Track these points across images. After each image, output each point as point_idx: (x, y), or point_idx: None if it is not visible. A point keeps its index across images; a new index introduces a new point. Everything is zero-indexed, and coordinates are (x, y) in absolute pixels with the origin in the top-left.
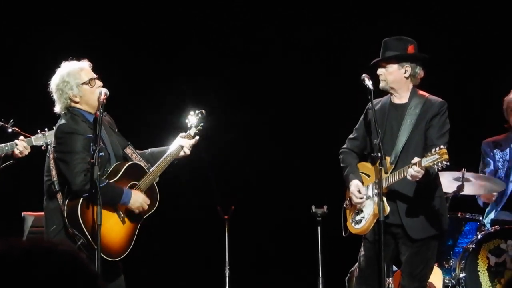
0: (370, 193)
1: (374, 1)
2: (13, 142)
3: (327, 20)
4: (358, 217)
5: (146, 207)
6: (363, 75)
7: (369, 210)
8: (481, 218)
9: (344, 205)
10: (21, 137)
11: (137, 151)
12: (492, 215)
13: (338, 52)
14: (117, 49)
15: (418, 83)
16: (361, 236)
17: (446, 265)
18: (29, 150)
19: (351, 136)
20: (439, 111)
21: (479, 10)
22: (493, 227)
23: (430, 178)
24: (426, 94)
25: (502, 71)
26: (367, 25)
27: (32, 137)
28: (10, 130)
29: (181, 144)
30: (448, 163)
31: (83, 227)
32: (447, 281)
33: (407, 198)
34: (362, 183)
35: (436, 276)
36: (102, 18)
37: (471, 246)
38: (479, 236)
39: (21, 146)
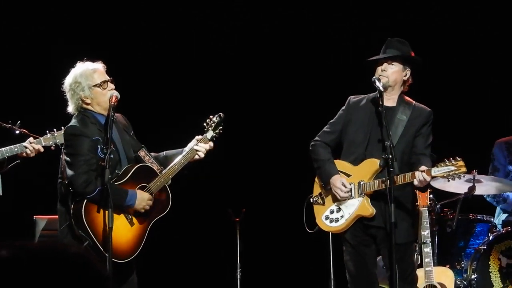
0: (352, 193)
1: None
2: (23, 144)
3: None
4: (334, 216)
5: (150, 204)
6: (374, 77)
7: (350, 210)
8: (492, 219)
9: (312, 200)
10: (31, 139)
11: (152, 153)
12: (503, 217)
13: (346, 54)
14: (135, 50)
15: (406, 90)
16: (341, 238)
17: (458, 267)
18: (42, 150)
19: (325, 129)
20: (428, 120)
21: (491, 7)
22: (505, 228)
23: (428, 186)
24: (413, 101)
25: None
26: (361, 25)
27: (41, 138)
28: (17, 132)
29: (195, 147)
30: (464, 176)
31: (88, 228)
32: (458, 283)
33: (394, 203)
34: None
35: (448, 278)
36: (118, 19)
37: (482, 247)
38: (491, 237)
39: (30, 147)
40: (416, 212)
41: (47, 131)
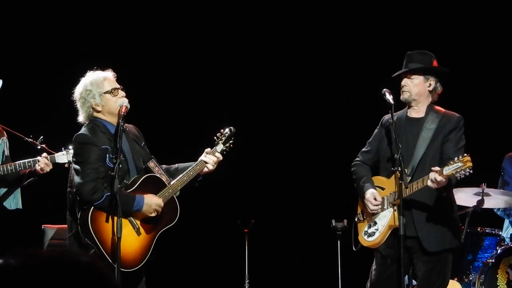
0: (385, 205)
1: (392, 14)
2: (36, 159)
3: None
4: (371, 230)
5: (160, 210)
6: (384, 89)
7: (383, 222)
8: (500, 232)
9: (356, 219)
10: (44, 154)
11: (163, 165)
12: (511, 230)
13: (358, 65)
14: (151, 63)
15: (436, 99)
16: (373, 249)
17: (466, 280)
18: (51, 167)
19: (364, 149)
20: (456, 126)
21: (504, 23)
22: None
23: (450, 188)
24: (442, 110)
25: None
26: (383, 38)
27: (56, 154)
28: (39, 147)
29: (204, 160)
30: (471, 171)
31: (94, 236)
32: None
33: (423, 210)
34: None
35: None
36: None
37: (490, 260)
38: (499, 251)
39: (42, 163)
40: (453, 219)
41: (62, 148)
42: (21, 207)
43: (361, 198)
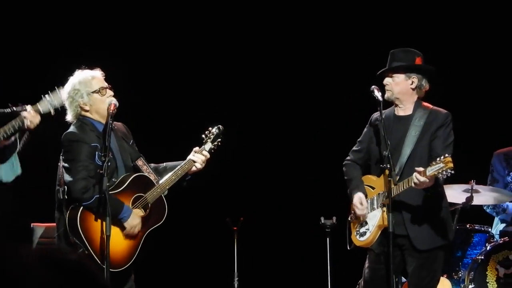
0: (375, 205)
1: (378, 11)
2: (21, 116)
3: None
4: (362, 229)
5: (135, 232)
6: (372, 86)
7: (373, 222)
8: (490, 229)
9: (349, 218)
10: (27, 106)
11: (152, 164)
12: (501, 227)
13: (348, 63)
14: (140, 61)
15: (423, 95)
16: (366, 248)
17: (455, 277)
18: (39, 118)
19: (354, 148)
20: (444, 122)
21: (494, 20)
22: (502, 239)
23: (437, 187)
24: (430, 106)
25: None
26: (372, 35)
27: (38, 104)
28: (9, 110)
29: (193, 159)
30: (453, 172)
31: (82, 236)
32: None
33: (413, 209)
34: (366, 195)
35: (445, 287)
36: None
37: (480, 257)
38: (488, 248)
39: (28, 115)
40: (443, 217)
41: (42, 95)
42: (20, 172)
43: (351, 199)
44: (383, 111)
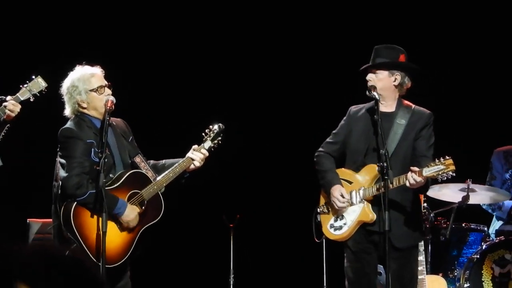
0: (354, 200)
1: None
2: (2, 106)
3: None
4: (338, 223)
5: (132, 226)
6: (370, 85)
7: (352, 217)
8: (486, 228)
9: (318, 210)
10: (8, 97)
11: (151, 161)
12: (498, 225)
13: (346, 63)
14: (141, 59)
15: (404, 93)
16: (343, 246)
17: (451, 275)
18: (19, 106)
19: (329, 139)
20: (428, 122)
21: (491, 17)
22: (498, 238)
23: (427, 188)
24: (412, 105)
25: None
26: (372, 35)
27: (18, 94)
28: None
29: (191, 156)
30: (454, 174)
31: (76, 232)
32: None
33: (394, 207)
34: None
35: (441, 286)
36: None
37: (475, 256)
38: (484, 247)
39: (10, 105)
40: (420, 216)
41: (21, 86)
42: (1, 163)
43: (325, 192)
44: (363, 105)
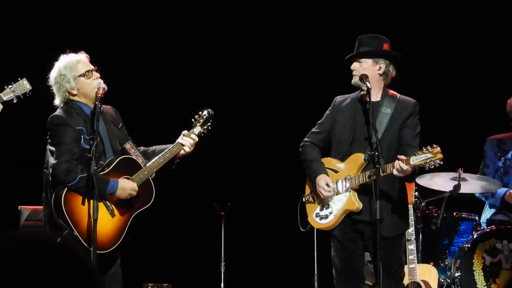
0: (340, 188)
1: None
2: None
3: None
4: (323, 212)
5: (134, 194)
6: (361, 74)
7: (338, 206)
8: (477, 217)
9: (304, 199)
10: None
11: (141, 147)
12: (490, 213)
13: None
14: (130, 46)
15: (389, 82)
16: (329, 235)
17: (442, 264)
18: (1, 107)
19: (314, 129)
20: (413, 112)
21: (484, 7)
22: (489, 227)
23: (414, 177)
24: (397, 94)
25: (505, 71)
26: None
27: (1, 94)
28: None
29: (181, 142)
30: (441, 163)
31: (67, 218)
32: (442, 280)
33: (380, 196)
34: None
35: (432, 275)
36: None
37: (466, 245)
38: (475, 236)
39: None
40: (406, 205)
41: (5, 86)
42: None
43: (310, 181)
44: (349, 95)
